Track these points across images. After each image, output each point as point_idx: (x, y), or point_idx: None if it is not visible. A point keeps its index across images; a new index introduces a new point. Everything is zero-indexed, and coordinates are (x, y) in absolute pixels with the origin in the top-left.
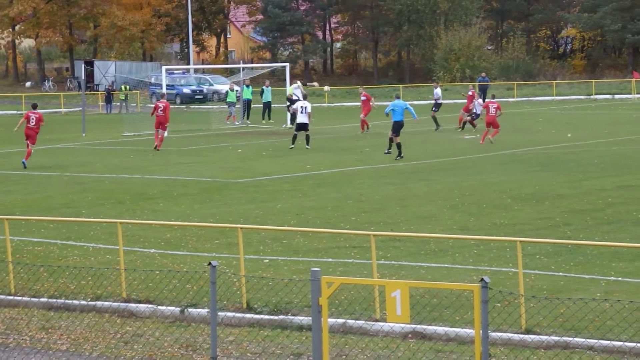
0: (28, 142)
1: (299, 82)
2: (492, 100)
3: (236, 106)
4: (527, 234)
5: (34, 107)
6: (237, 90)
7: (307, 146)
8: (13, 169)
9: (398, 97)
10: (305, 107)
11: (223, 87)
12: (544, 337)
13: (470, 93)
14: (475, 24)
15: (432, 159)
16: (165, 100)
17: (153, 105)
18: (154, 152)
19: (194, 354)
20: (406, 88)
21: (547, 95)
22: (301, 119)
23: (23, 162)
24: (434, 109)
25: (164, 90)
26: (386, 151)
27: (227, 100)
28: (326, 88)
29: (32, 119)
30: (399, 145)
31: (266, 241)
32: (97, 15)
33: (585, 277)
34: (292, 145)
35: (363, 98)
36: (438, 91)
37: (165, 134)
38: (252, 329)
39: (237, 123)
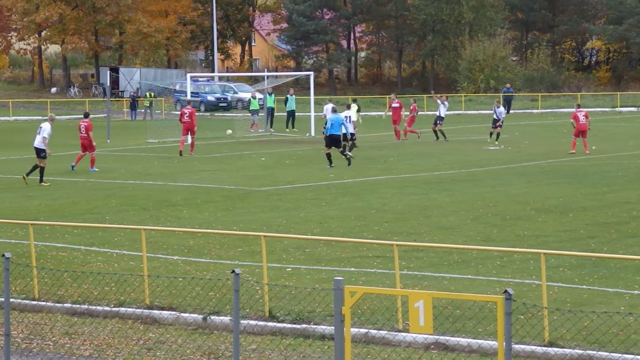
0: (85, 151)
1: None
2: (580, 109)
3: (259, 114)
4: (551, 246)
5: (86, 115)
6: (259, 99)
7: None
8: (37, 174)
9: (335, 111)
10: (350, 117)
11: (247, 95)
12: (567, 350)
13: (395, 105)
14: (499, 35)
15: (455, 169)
16: (190, 107)
17: (179, 112)
18: (178, 158)
19: None
20: (430, 98)
21: (572, 107)
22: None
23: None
24: (438, 122)
25: (189, 98)
26: (331, 165)
27: (250, 108)
28: (228, 132)
29: (82, 127)
30: (328, 156)
31: (289, 249)
32: (123, 22)
33: (609, 291)
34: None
35: (395, 105)
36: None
37: (189, 139)
38: (275, 338)
39: (260, 131)
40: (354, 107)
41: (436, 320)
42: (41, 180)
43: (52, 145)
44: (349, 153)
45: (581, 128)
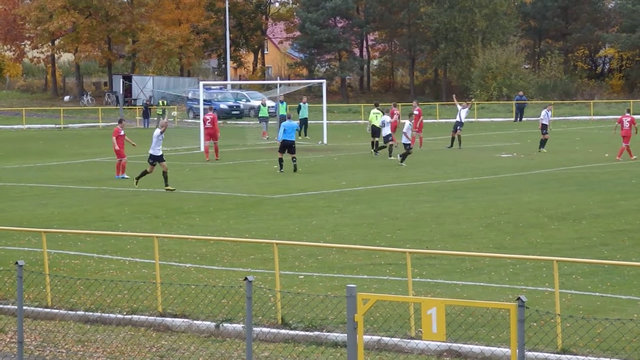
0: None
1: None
2: (627, 115)
3: (269, 122)
4: (564, 253)
5: (119, 122)
6: (269, 107)
7: (390, 157)
8: (51, 182)
9: (290, 118)
10: (386, 121)
11: (259, 103)
12: (580, 358)
13: (416, 112)
14: (512, 43)
15: (468, 177)
16: (212, 113)
17: (199, 121)
18: (190, 166)
19: None
20: (442, 106)
21: (585, 115)
22: (385, 131)
23: (122, 177)
24: (458, 127)
25: (201, 106)
26: (281, 170)
27: (260, 115)
28: (173, 113)
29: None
30: (293, 159)
31: (301, 257)
32: (136, 31)
33: (622, 298)
34: (391, 157)
35: (416, 112)
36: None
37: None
38: (287, 345)
39: (266, 137)
40: (379, 112)
41: (449, 328)
42: (166, 185)
43: (62, 155)
44: (381, 153)
45: (624, 134)
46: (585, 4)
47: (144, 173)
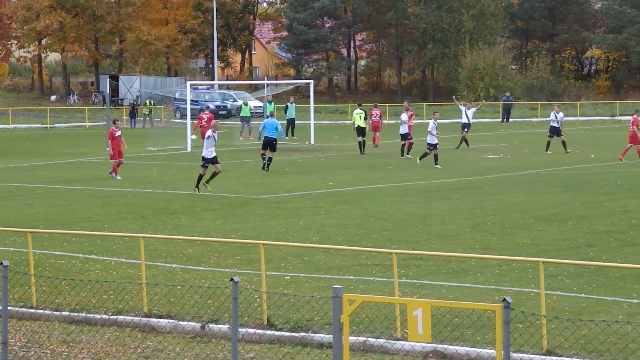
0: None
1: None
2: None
3: (251, 121)
4: (550, 254)
5: (114, 122)
6: (255, 107)
7: (407, 156)
8: (37, 182)
9: (272, 116)
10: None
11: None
12: (565, 359)
13: (410, 113)
14: (499, 44)
15: (454, 178)
16: (208, 112)
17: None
18: (177, 166)
19: None
20: (430, 106)
21: (571, 116)
22: (402, 129)
23: (114, 176)
24: (465, 129)
25: (188, 106)
26: (265, 169)
27: (241, 114)
28: (193, 137)
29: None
30: (269, 159)
31: (288, 258)
32: (123, 30)
33: (608, 299)
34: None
35: (409, 113)
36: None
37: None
38: (273, 346)
39: (251, 139)
40: (362, 112)
41: (435, 329)
42: (197, 188)
43: (49, 154)
44: (408, 155)
45: (632, 134)
46: (572, 5)
47: (200, 177)
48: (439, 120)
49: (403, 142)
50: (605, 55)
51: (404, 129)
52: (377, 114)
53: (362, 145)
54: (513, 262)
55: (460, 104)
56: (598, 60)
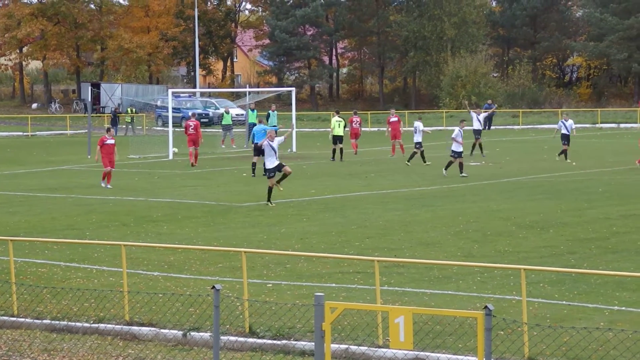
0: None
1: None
2: None
3: (233, 129)
4: (531, 261)
5: (107, 130)
6: (237, 114)
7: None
8: (18, 190)
9: (261, 122)
10: (417, 127)
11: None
12: None
13: (395, 119)
14: (481, 51)
15: (436, 185)
16: (195, 119)
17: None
18: (159, 174)
19: None
20: (412, 114)
21: (553, 123)
22: (416, 138)
23: (106, 185)
24: (477, 136)
25: (170, 114)
26: (253, 174)
27: (222, 123)
28: (174, 150)
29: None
30: (253, 165)
31: (270, 265)
32: (104, 38)
33: (589, 306)
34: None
35: (394, 119)
36: (480, 117)
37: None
38: (255, 354)
39: (234, 146)
40: (341, 121)
41: (416, 336)
42: (269, 200)
43: (30, 162)
44: (427, 162)
45: None
46: (553, 13)
47: (270, 190)
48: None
49: (415, 150)
50: (586, 63)
51: (417, 138)
52: (357, 121)
53: (339, 152)
54: (495, 270)
55: (472, 110)
56: (579, 68)
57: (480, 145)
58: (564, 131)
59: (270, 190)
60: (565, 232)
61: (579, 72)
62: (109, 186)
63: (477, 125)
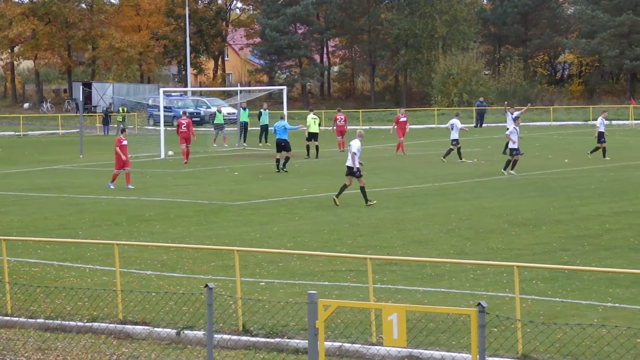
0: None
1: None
2: None
3: (225, 128)
4: (524, 259)
5: (122, 131)
6: (228, 113)
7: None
8: (10, 189)
9: (282, 118)
10: (454, 125)
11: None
12: None
13: (404, 119)
14: (472, 49)
15: (428, 183)
16: (187, 117)
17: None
18: (151, 173)
19: None
20: (406, 112)
21: (545, 121)
22: (453, 135)
23: (126, 187)
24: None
25: (162, 113)
26: (282, 169)
27: (215, 122)
28: (169, 153)
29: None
30: (286, 158)
31: (262, 264)
32: (96, 37)
33: (582, 303)
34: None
35: (404, 119)
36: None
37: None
38: (248, 352)
39: (225, 145)
40: (317, 118)
41: (410, 334)
42: (366, 201)
43: (22, 162)
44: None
45: None
46: (544, 10)
47: (363, 189)
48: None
49: (451, 147)
50: (578, 60)
51: (454, 135)
52: (341, 119)
53: (315, 149)
54: (487, 267)
55: (506, 109)
56: (571, 65)
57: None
58: (601, 129)
59: (363, 189)
60: (557, 229)
61: (571, 69)
62: (111, 186)
63: (510, 124)
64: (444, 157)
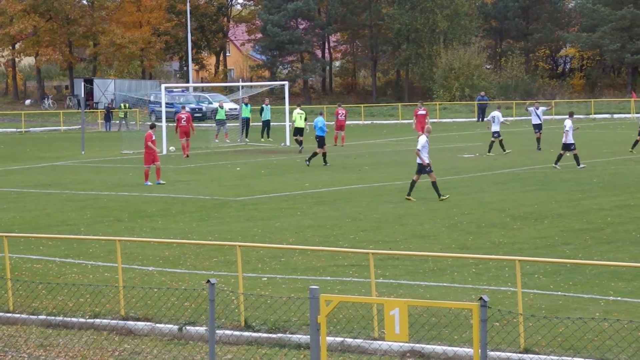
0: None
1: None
2: None
3: (227, 124)
4: (526, 253)
5: (152, 127)
6: (231, 109)
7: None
8: (12, 186)
9: (321, 114)
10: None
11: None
12: (542, 357)
13: (422, 112)
14: (474, 43)
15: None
16: (186, 112)
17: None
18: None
19: None
20: (405, 107)
21: (546, 115)
22: (494, 127)
23: (156, 182)
24: (538, 130)
25: (163, 109)
26: (322, 162)
27: (217, 117)
28: (171, 149)
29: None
30: (324, 154)
31: (264, 259)
32: (97, 34)
33: (584, 297)
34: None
35: (422, 112)
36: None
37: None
38: (250, 347)
39: (227, 141)
40: (302, 113)
41: (412, 328)
42: (439, 195)
43: (23, 159)
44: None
45: None
46: (545, 4)
47: (434, 184)
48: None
49: (492, 140)
50: (579, 54)
51: (496, 127)
52: (342, 113)
53: (300, 143)
54: (489, 261)
55: (530, 106)
56: (572, 59)
57: (537, 139)
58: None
59: (434, 184)
60: (559, 223)
61: (572, 63)
62: (162, 182)
63: (535, 120)
64: (489, 151)
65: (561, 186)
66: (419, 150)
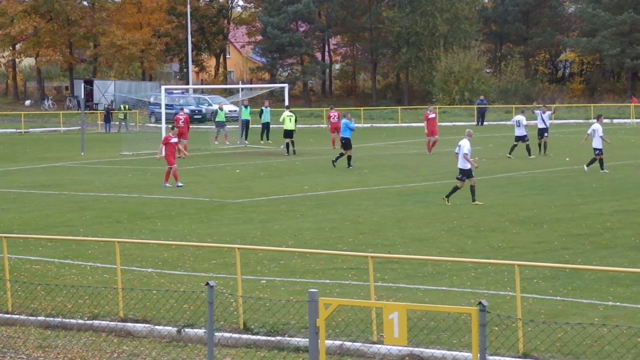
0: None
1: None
2: None
3: (226, 126)
4: (525, 257)
5: (172, 129)
6: (230, 111)
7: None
8: (11, 187)
9: (345, 116)
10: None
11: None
12: None
13: (433, 115)
14: (474, 47)
15: (429, 181)
16: (184, 113)
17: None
18: (152, 171)
19: None
20: (404, 110)
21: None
22: (519, 132)
23: (176, 185)
24: (545, 134)
25: (163, 110)
26: (349, 166)
27: (216, 119)
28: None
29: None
30: (348, 157)
31: (263, 262)
32: (97, 35)
33: (583, 302)
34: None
35: (432, 115)
36: (546, 116)
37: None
38: (249, 350)
39: (227, 143)
40: (292, 115)
41: (410, 332)
42: (474, 199)
43: (23, 159)
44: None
45: None
46: (545, 9)
47: (455, 189)
48: None
49: (515, 144)
50: (579, 59)
51: (520, 131)
52: (335, 115)
53: (291, 146)
54: (488, 265)
55: (536, 109)
56: (572, 64)
57: (545, 144)
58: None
59: (472, 188)
60: (558, 227)
61: (572, 67)
62: (180, 184)
63: (541, 124)
64: (510, 154)
65: (560, 191)
66: (466, 154)
